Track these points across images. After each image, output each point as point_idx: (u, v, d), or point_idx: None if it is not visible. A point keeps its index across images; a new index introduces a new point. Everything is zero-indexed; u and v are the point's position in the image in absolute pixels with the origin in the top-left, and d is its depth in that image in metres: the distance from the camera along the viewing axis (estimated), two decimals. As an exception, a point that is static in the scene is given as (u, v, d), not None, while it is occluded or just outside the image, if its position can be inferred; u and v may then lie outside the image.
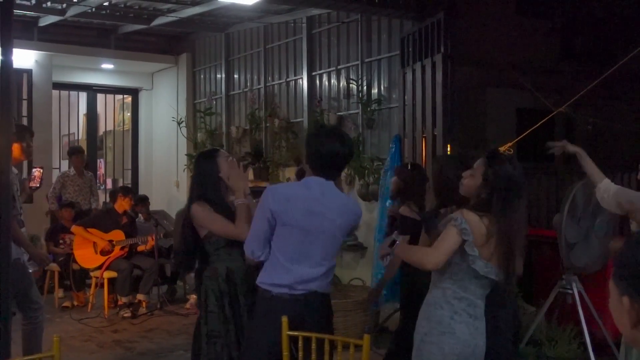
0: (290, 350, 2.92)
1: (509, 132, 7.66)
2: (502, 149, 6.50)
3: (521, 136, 6.28)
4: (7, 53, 4.09)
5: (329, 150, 3.10)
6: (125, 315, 7.59)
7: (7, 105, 4.14)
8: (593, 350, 5.13)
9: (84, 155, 9.28)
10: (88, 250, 7.82)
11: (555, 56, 8.77)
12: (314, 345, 2.78)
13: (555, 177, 7.47)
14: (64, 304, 8.03)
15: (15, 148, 4.68)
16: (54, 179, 9.33)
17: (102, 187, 11.89)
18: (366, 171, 7.33)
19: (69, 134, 12.34)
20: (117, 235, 7.89)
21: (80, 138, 12.46)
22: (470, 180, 2.95)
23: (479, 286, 2.88)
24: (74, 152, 9.06)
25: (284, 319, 2.85)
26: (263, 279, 3.19)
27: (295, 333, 2.80)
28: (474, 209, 2.86)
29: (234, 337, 3.51)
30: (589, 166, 4.05)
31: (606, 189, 3.90)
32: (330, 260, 3.21)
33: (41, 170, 5.48)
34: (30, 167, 5.83)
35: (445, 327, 2.84)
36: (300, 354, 2.80)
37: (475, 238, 2.80)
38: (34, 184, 5.45)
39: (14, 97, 9.85)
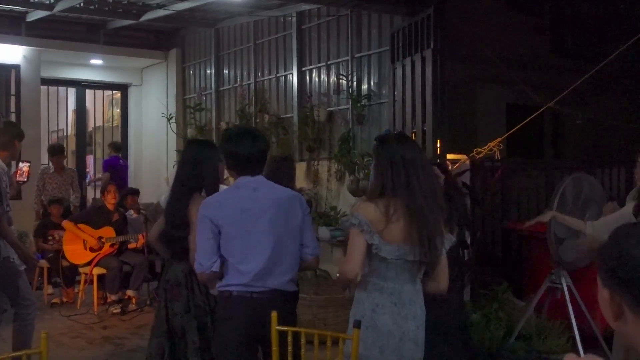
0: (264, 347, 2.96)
1: (499, 127, 7.69)
2: (491, 144, 6.54)
3: (509, 132, 6.31)
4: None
5: (244, 151, 3.20)
6: (115, 311, 7.56)
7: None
8: (582, 344, 5.16)
9: (64, 156, 9.16)
10: (78, 246, 7.77)
11: (545, 52, 8.80)
12: (303, 340, 2.77)
13: (544, 173, 7.50)
14: (53, 301, 8.00)
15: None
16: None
17: (93, 184, 11.83)
18: (356, 167, 7.33)
19: (57, 130, 12.28)
20: (108, 232, 7.85)
21: (69, 134, 12.40)
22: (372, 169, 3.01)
23: (400, 271, 2.85)
24: (54, 153, 8.94)
25: (274, 314, 2.84)
26: (220, 284, 3.21)
27: (284, 328, 2.79)
28: (369, 197, 2.88)
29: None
30: (568, 221, 4.24)
31: (593, 229, 4.03)
32: (285, 256, 3.18)
33: (29, 165, 5.45)
34: (17, 162, 5.78)
35: (367, 322, 2.82)
36: (290, 349, 2.78)
37: (376, 225, 2.79)
38: (22, 178, 5.42)
39: (2, 93, 9.81)
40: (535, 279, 6.18)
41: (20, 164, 5.48)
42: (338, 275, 3.04)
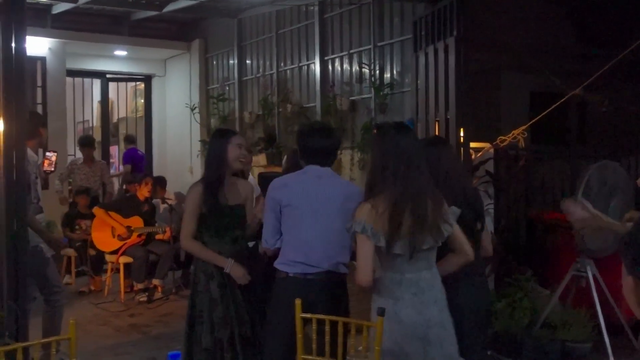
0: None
1: (523, 115, 7.62)
2: (515, 132, 6.50)
3: (533, 120, 6.26)
4: (20, 41, 4.11)
5: (317, 145, 3.39)
6: (141, 299, 7.65)
7: (21, 93, 4.17)
8: (607, 333, 5.13)
9: (94, 148, 9.22)
10: (106, 234, 7.88)
11: (570, 39, 8.69)
12: (327, 328, 2.79)
13: (569, 160, 7.44)
14: (81, 289, 8.12)
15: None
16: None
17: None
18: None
19: (83, 121, 12.42)
20: (136, 222, 7.95)
21: (94, 125, 12.54)
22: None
23: (415, 261, 2.85)
24: (84, 144, 9.01)
25: (298, 301, 2.87)
26: (278, 260, 3.36)
27: (308, 315, 2.82)
28: (366, 197, 2.87)
29: (221, 318, 3.64)
30: (604, 223, 4.15)
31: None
32: (338, 241, 3.27)
33: (56, 154, 5.54)
34: (44, 151, 5.89)
35: (391, 316, 2.82)
36: (314, 336, 2.81)
37: (376, 226, 2.78)
38: (50, 168, 5.51)
39: (28, 85, 9.93)
40: (560, 267, 6.14)
41: (48, 154, 5.58)
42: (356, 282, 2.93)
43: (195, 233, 3.71)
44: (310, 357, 2.83)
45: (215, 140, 3.85)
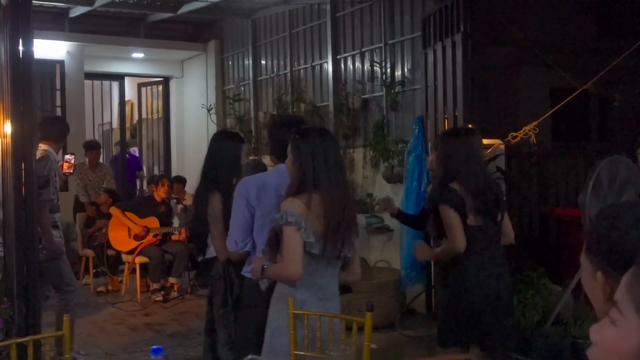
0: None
1: (543, 112, 7.56)
2: (526, 128, 6.45)
3: (543, 117, 6.21)
4: (27, 44, 4.19)
5: (285, 139, 3.15)
6: (157, 299, 7.76)
7: (29, 95, 4.26)
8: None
9: (98, 152, 9.24)
10: (122, 233, 8.00)
11: (592, 34, 8.59)
12: (318, 324, 2.82)
13: (584, 156, 7.37)
14: (99, 289, 8.24)
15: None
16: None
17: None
18: (391, 153, 7.33)
19: (103, 124, 12.59)
20: (152, 222, 8.05)
21: (115, 127, 12.69)
22: (289, 163, 2.97)
23: (326, 266, 2.88)
24: (89, 147, 9.03)
25: (290, 299, 2.90)
26: (245, 270, 3.28)
27: (300, 312, 2.85)
28: (289, 193, 2.87)
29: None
30: None
31: None
32: None
33: (74, 157, 5.68)
34: (63, 154, 6.01)
35: (297, 316, 2.83)
36: (305, 332, 2.84)
37: (310, 222, 2.79)
38: (69, 170, 5.63)
39: (47, 88, 10.09)
40: (572, 264, 6.09)
41: (67, 156, 5.69)
42: (272, 278, 2.98)
43: None
44: (302, 352, 2.86)
45: (228, 143, 3.75)
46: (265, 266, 2.92)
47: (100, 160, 9.79)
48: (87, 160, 8.96)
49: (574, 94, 6.14)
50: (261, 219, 3.18)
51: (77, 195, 8.84)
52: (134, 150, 12.34)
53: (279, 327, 2.87)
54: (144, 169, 12.33)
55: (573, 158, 7.47)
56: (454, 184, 3.60)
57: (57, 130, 5.39)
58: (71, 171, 5.72)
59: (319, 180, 2.83)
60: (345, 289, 3.58)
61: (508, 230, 3.83)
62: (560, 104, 6.27)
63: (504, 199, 3.95)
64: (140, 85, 12.29)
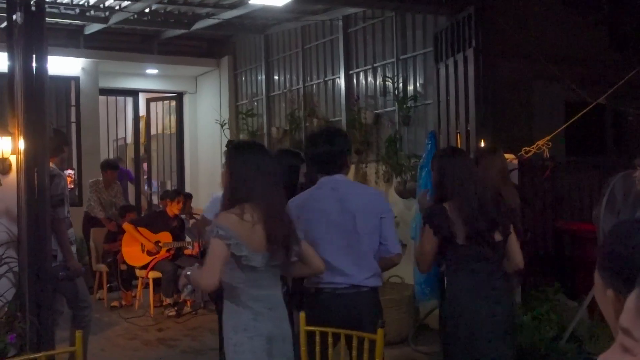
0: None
1: (556, 126, 7.52)
2: (539, 143, 6.43)
3: (556, 131, 6.19)
4: (41, 61, 4.24)
5: (315, 151, 3.37)
6: (170, 314, 7.75)
7: (42, 111, 4.29)
8: (634, 346, 5.01)
9: (115, 171, 9.16)
10: (135, 249, 8.02)
11: (604, 47, 8.55)
12: (330, 340, 2.80)
13: (598, 171, 7.31)
14: (113, 304, 8.26)
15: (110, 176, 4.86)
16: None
17: (149, 191, 12.19)
18: (403, 168, 7.31)
19: (117, 139, 12.67)
20: (165, 237, 8.07)
21: (129, 142, 12.78)
22: (223, 176, 3.01)
23: (270, 277, 2.92)
24: (108, 167, 9.00)
25: (302, 314, 2.89)
26: (307, 282, 3.35)
27: (312, 328, 2.83)
28: (227, 207, 2.89)
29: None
30: None
31: None
32: (364, 253, 3.27)
33: (74, 172, 5.69)
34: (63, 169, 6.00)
35: (251, 332, 2.86)
36: (317, 348, 2.82)
37: (241, 235, 2.80)
38: (70, 185, 5.64)
39: (62, 104, 10.19)
40: (587, 279, 6.02)
41: (67, 171, 5.71)
42: (192, 285, 2.99)
43: None
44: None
45: (291, 158, 3.84)
46: (188, 273, 2.93)
47: None
48: (102, 178, 8.96)
49: (588, 108, 6.11)
50: (309, 233, 3.22)
51: (87, 211, 8.85)
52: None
53: (239, 343, 2.88)
54: (157, 184, 12.38)
55: (587, 172, 7.41)
56: (447, 203, 3.49)
57: (53, 144, 5.32)
58: (71, 187, 5.73)
59: (252, 190, 2.87)
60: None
61: (514, 255, 3.60)
62: (574, 118, 6.24)
63: (516, 218, 3.82)
64: (149, 101, 12.33)
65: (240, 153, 2.99)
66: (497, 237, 3.48)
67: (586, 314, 5.64)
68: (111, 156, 12.51)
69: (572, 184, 7.29)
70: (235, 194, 2.89)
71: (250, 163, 2.92)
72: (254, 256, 2.82)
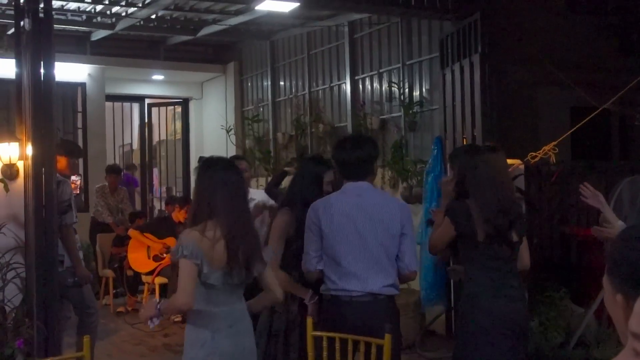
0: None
1: (562, 131, 7.51)
2: (545, 148, 6.41)
3: (562, 137, 6.17)
4: (48, 68, 4.26)
5: (341, 157, 3.36)
6: (176, 319, 7.74)
7: (49, 118, 4.31)
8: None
9: (119, 176, 9.25)
10: (141, 254, 8.03)
11: (611, 52, 8.55)
12: (337, 345, 2.80)
13: (605, 176, 7.28)
14: (119, 309, 8.26)
15: (63, 161, 4.86)
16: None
17: (159, 196, 12.21)
18: (409, 174, 7.31)
19: (123, 145, 12.71)
20: (171, 242, 8.07)
21: (135, 148, 12.81)
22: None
23: (228, 295, 2.91)
24: (110, 171, 9.08)
25: (309, 320, 2.89)
26: (323, 287, 3.36)
27: (319, 333, 2.83)
28: (192, 224, 2.91)
29: (297, 341, 3.55)
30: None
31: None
32: (384, 261, 3.26)
33: (80, 178, 5.71)
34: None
35: (209, 348, 2.88)
36: (324, 353, 2.82)
37: (206, 252, 2.81)
38: (76, 191, 5.66)
39: (68, 110, 10.23)
40: (594, 285, 6.01)
41: (74, 177, 5.73)
42: (167, 312, 3.01)
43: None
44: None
45: (315, 166, 3.81)
46: (158, 306, 2.91)
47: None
48: (106, 183, 9.00)
49: (594, 113, 6.10)
50: (330, 235, 3.29)
51: (94, 217, 8.87)
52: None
53: (217, 329, 2.91)
54: (161, 190, 12.39)
55: (594, 177, 7.38)
56: (469, 200, 3.51)
57: (67, 149, 5.36)
58: (77, 192, 5.75)
59: (214, 207, 2.88)
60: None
61: (523, 256, 3.67)
62: (580, 124, 6.23)
63: (524, 220, 3.85)
64: (150, 106, 12.33)
65: (206, 170, 2.99)
66: (514, 237, 3.52)
67: (593, 320, 5.62)
68: (118, 162, 12.57)
69: (577, 189, 7.26)
70: (199, 210, 2.92)
71: (216, 180, 2.92)
72: (212, 274, 2.83)
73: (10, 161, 4.70)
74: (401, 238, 3.28)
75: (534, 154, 6.45)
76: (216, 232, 2.84)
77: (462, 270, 4.41)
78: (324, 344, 2.84)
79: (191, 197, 3.07)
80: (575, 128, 6.36)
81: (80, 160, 10.17)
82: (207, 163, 3.05)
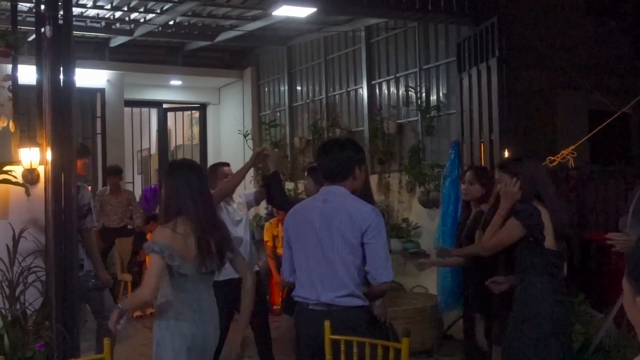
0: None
1: (581, 135, 7.46)
2: (564, 152, 6.37)
3: (580, 140, 6.13)
4: (68, 74, 4.31)
5: (319, 162, 3.36)
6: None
7: (69, 123, 4.36)
8: (663, 357, 4.94)
9: (119, 177, 9.10)
10: (159, 259, 8.05)
11: (631, 56, 8.48)
12: (355, 349, 2.80)
13: (625, 180, 7.23)
14: (137, 313, 8.30)
15: (79, 164, 4.92)
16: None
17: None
18: (426, 178, 7.30)
19: (141, 150, 12.78)
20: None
21: (153, 153, 12.89)
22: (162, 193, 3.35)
23: (197, 283, 3.19)
24: (109, 173, 9.05)
25: (327, 323, 2.89)
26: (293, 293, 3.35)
27: (337, 337, 2.84)
28: (163, 222, 3.21)
29: None
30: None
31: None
32: (341, 270, 3.10)
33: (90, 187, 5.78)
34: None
35: (173, 329, 3.15)
36: (343, 357, 2.83)
37: (176, 247, 3.09)
38: None
39: (87, 115, 10.32)
40: (613, 290, 5.95)
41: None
42: (135, 299, 3.28)
43: None
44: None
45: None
46: (120, 305, 3.21)
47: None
48: (108, 186, 8.99)
49: (613, 117, 6.06)
50: (293, 241, 3.30)
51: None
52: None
53: (161, 339, 3.19)
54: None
55: (613, 182, 7.34)
56: (538, 204, 3.56)
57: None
58: None
59: (183, 205, 3.17)
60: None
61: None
62: (599, 127, 6.19)
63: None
64: (168, 111, 12.37)
65: (174, 172, 3.30)
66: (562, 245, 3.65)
67: (613, 325, 5.57)
68: (136, 167, 12.66)
69: (597, 193, 7.22)
70: (169, 209, 3.20)
71: (183, 181, 3.22)
72: (184, 265, 3.11)
73: (31, 166, 4.75)
74: (364, 247, 3.08)
75: (552, 158, 6.42)
76: (186, 228, 3.13)
77: (447, 250, 4.60)
78: (342, 347, 2.83)
79: (164, 196, 3.32)
80: (593, 132, 6.32)
81: (99, 165, 10.29)
82: (173, 166, 3.40)
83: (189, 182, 3.20)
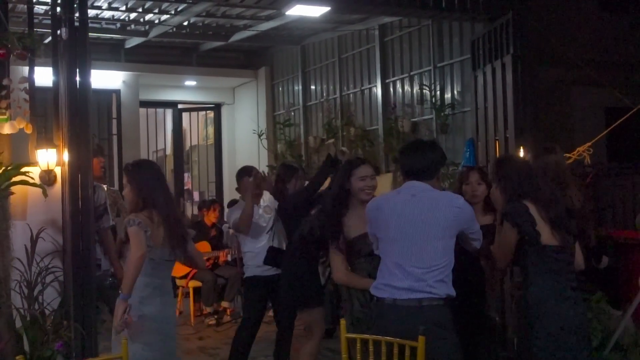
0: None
1: (597, 132, 7.42)
2: (580, 149, 6.34)
3: (597, 137, 6.10)
4: (84, 75, 4.34)
5: (405, 161, 3.42)
6: (210, 323, 7.83)
7: (85, 124, 4.39)
8: (681, 355, 4.91)
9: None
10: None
11: (640, 51, 8.43)
12: (371, 348, 2.81)
13: (642, 177, 7.17)
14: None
15: (95, 163, 4.97)
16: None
17: (190, 201, 12.33)
18: (441, 176, 7.27)
19: (157, 150, 12.85)
20: (204, 246, 8.15)
21: (168, 154, 12.96)
22: (126, 190, 3.69)
23: (162, 269, 3.59)
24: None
25: (342, 321, 2.90)
26: (373, 284, 3.35)
27: (353, 335, 2.85)
28: (131, 210, 3.58)
29: None
30: None
31: None
32: (434, 262, 3.16)
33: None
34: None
35: (135, 312, 3.45)
36: (358, 356, 2.83)
37: (152, 232, 3.44)
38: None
39: (103, 116, 10.40)
40: (631, 287, 5.92)
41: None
42: (128, 272, 3.50)
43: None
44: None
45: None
46: (120, 296, 3.46)
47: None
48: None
49: (629, 113, 6.02)
50: (382, 235, 3.36)
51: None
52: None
53: (145, 297, 3.51)
54: (197, 194, 12.50)
55: (630, 179, 7.28)
56: (526, 201, 3.48)
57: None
58: None
59: (156, 199, 3.54)
60: None
61: (579, 258, 3.65)
62: (615, 124, 6.15)
63: (574, 219, 3.81)
64: (183, 111, 12.41)
65: (142, 170, 3.66)
66: (571, 237, 3.53)
67: (631, 323, 5.53)
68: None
69: (614, 190, 7.17)
70: (143, 203, 3.54)
71: (153, 178, 3.61)
72: (154, 250, 3.47)
73: (48, 167, 4.79)
74: (461, 224, 3.26)
75: (568, 155, 6.39)
76: (158, 219, 3.50)
77: None
78: (358, 346, 2.84)
79: (124, 192, 3.70)
80: (609, 129, 6.28)
81: (115, 166, 10.36)
82: (138, 165, 3.73)
83: (157, 178, 3.62)
